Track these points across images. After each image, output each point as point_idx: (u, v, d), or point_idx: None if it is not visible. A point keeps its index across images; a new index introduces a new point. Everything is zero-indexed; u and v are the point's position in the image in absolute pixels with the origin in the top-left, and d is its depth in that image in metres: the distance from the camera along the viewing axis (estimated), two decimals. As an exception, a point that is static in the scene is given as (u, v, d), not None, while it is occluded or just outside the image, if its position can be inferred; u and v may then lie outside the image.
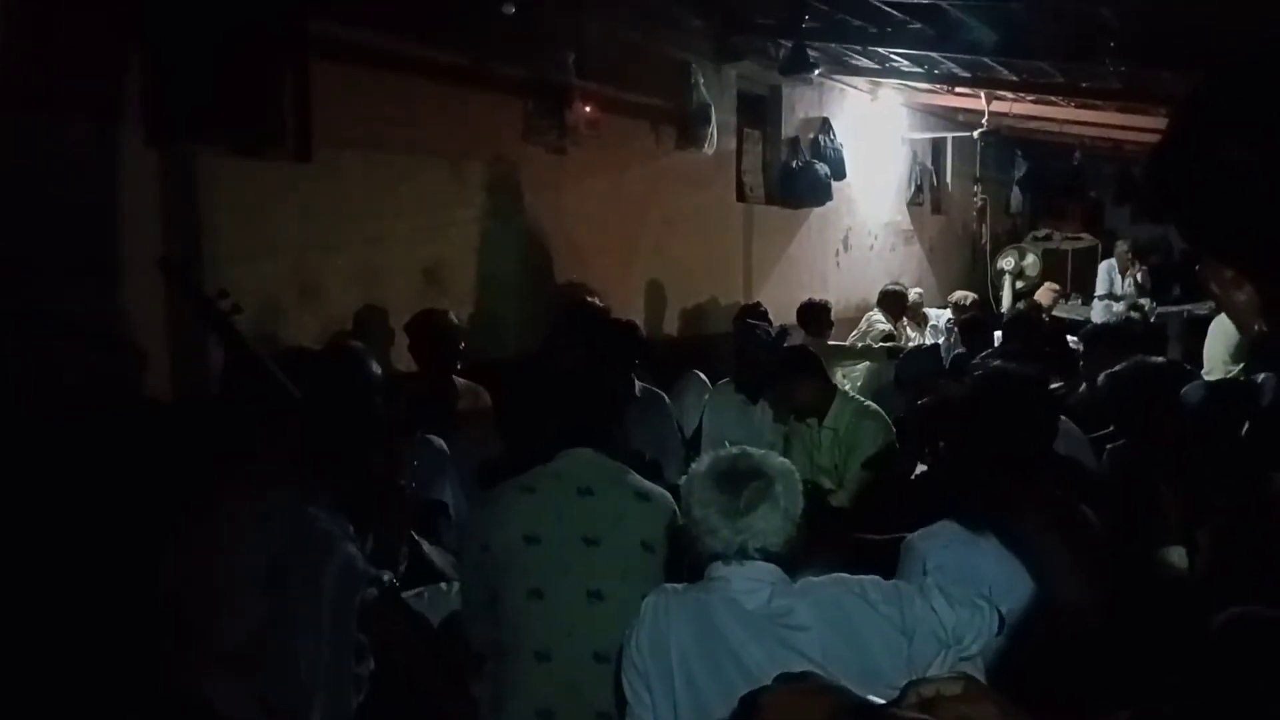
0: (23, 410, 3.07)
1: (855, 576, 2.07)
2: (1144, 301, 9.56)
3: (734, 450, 2.02)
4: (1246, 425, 2.75)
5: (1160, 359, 3.64)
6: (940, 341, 6.95)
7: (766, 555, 1.93)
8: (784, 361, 4.18)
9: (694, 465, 2.07)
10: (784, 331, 5.61)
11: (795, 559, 2.00)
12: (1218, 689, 1.37)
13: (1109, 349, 4.05)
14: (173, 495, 2.60)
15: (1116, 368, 3.25)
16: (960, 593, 2.06)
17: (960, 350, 5.61)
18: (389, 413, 3.02)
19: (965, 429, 2.60)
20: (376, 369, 3.08)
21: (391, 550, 2.71)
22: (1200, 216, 0.83)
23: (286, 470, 2.45)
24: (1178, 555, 2.50)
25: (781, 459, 2.05)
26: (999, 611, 2.09)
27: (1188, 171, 0.82)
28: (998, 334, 5.98)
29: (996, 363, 3.18)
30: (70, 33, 3.25)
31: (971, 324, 6.34)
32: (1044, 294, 9.30)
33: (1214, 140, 0.78)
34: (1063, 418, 3.75)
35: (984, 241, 11.41)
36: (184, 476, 2.70)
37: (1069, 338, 5.91)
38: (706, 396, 4.76)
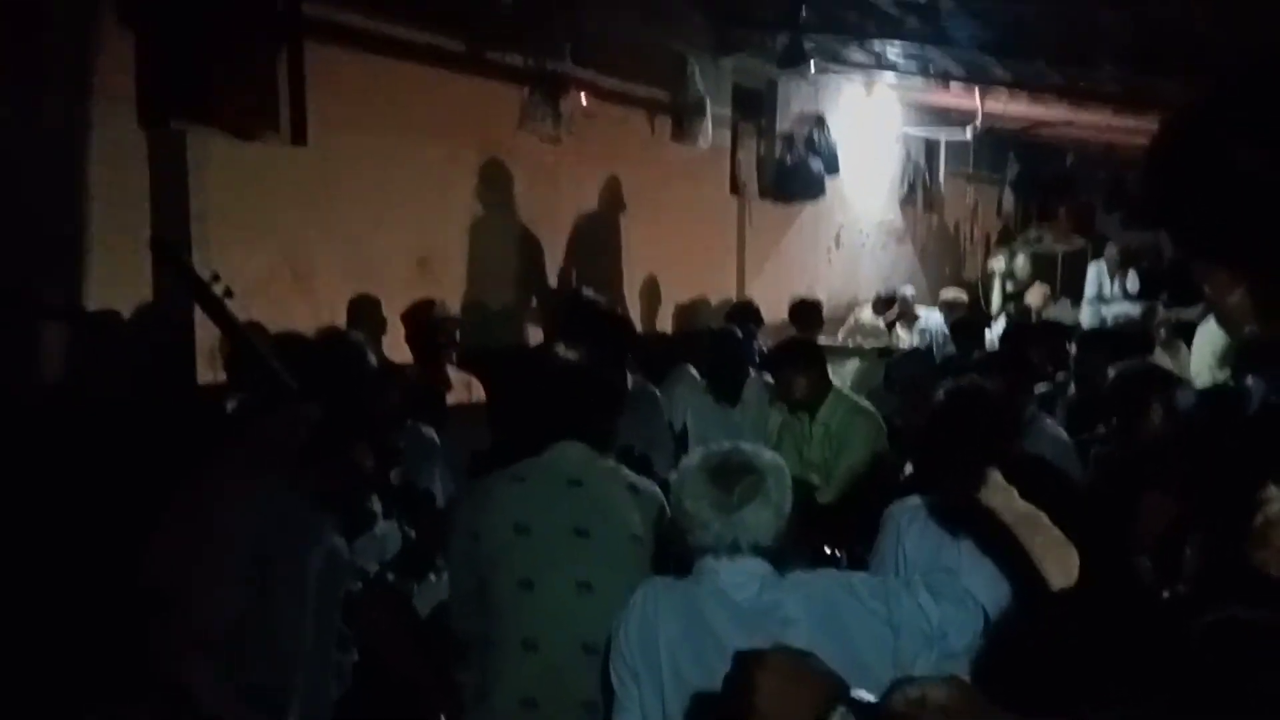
0: (8, 393, 3.05)
1: (844, 571, 2.08)
2: (1139, 305, 9.57)
3: (726, 445, 2.03)
4: (1235, 431, 2.77)
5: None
6: (930, 343, 6.99)
7: (757, 550, 1.94)
8: (786, 350, 4.18)
9: (685, 459, 2.08)
10: (754, 331, 5.54)
11: (784, 553, 2.01)
12: (1201, 693, 1.38)
13: (1101, 352, 4.06)
14: (160, 481, 2.59)
15: (1122, 365, 3.25)
16: (947, 589, 2.08)
17: (951, 351, 5.63)
18: (382, 403, 3.02)
19: (924, 439, 2.73)
20: (374, 361, 3.07)
21: (426, 556, 2.73)
22: (1202, 220, 0.84)
23: (276, 459, 2.45)
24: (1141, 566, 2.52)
25: (772, 454, 2.06)
26: (984, 609, 2.12)
27: (1192, 175, 0.83)
28: (988, 333, 6.00)
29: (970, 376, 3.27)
30: (63, 12, 3.22)
31: (962, 325, 6.35)
32: (1034, 296, 9.35)
33: (1221, 146, 0.79)
34: (1049, 420, 3.79)
35: (975, 242, 11.46)
36: (172, 461, 2.69)
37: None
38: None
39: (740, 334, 4.86)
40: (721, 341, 4.68)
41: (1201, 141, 0.82)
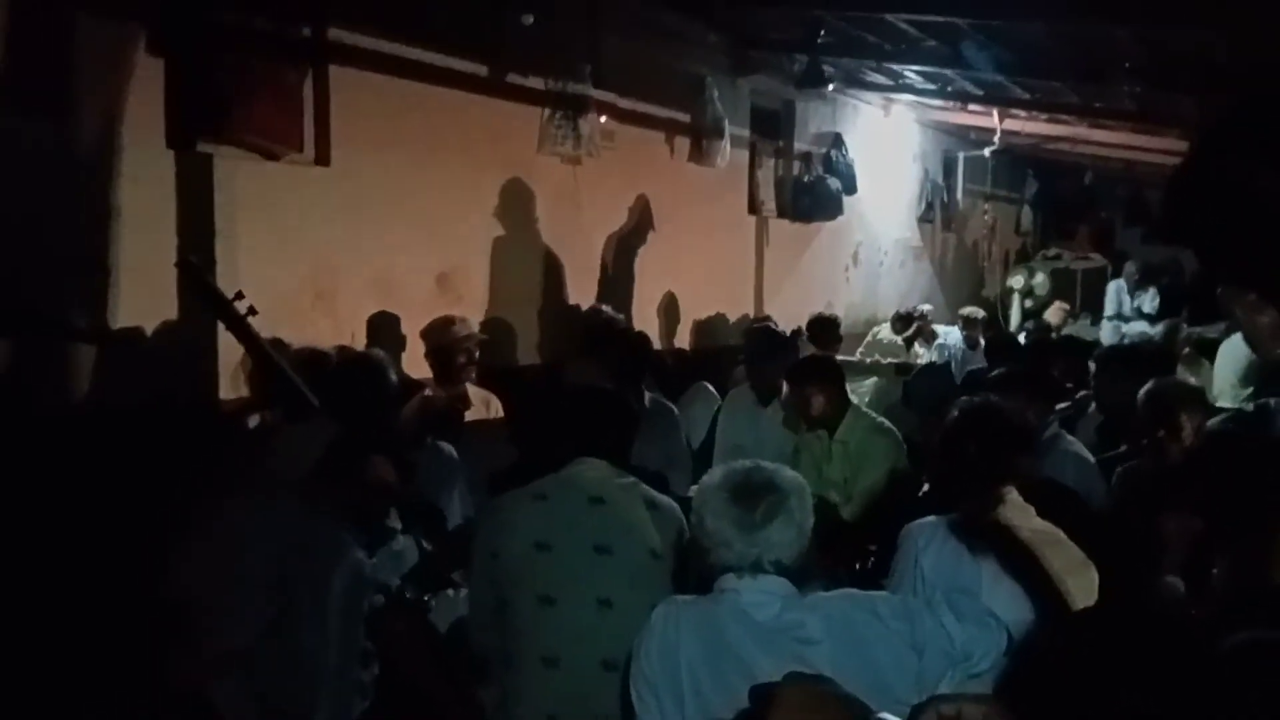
0: (37, 411, 3.09)
1: (865, 591, 2.07)
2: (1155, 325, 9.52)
3: (747, 464, 2.03)
4: (1259, 450, 2.74)
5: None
6: (949, 359, 6.97)
7: (779, 569, 1.94)
8: (806, 366, 4.17)
9: (706, 477, 2.08)
10: (798, 330, 5.62)
11: (805, 572, 2.01)
12: (1228, 715, 1.36)
13: (1122, 370, 4.03)
14: (183, 497, 2.61)
15: (1154, 384, 3.22)
16: (969, 609, 2.07)
17: (975, 367, 5.61)
18: (402, 421, 3.03)
19: (939, 456, 2.73)
20: (395, 380, 3.09)
21: (440, 572, 2.74)
22: (1225, 241, 0.84)
23: (296, 478, 2.46)
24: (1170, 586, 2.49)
25: (793, 473, 2.06)
26: (1007, 629, 2.10)
27: (1214, 197, 0.83)
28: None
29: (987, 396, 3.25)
30: (91, 37, 3.28)
31: (994, 344, 6.35)
32: (1054, 313, 9.31)
33: (1242, 168, 0.80)
34: (1071, 439, 3.75)
35: (993, 259, 11.43)
36: (195, 478, 2.72)
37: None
38: (716, 408, 4.77)
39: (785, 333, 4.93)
40: (764, 333, 4.73)
41: (1220, 162, 0.82)
